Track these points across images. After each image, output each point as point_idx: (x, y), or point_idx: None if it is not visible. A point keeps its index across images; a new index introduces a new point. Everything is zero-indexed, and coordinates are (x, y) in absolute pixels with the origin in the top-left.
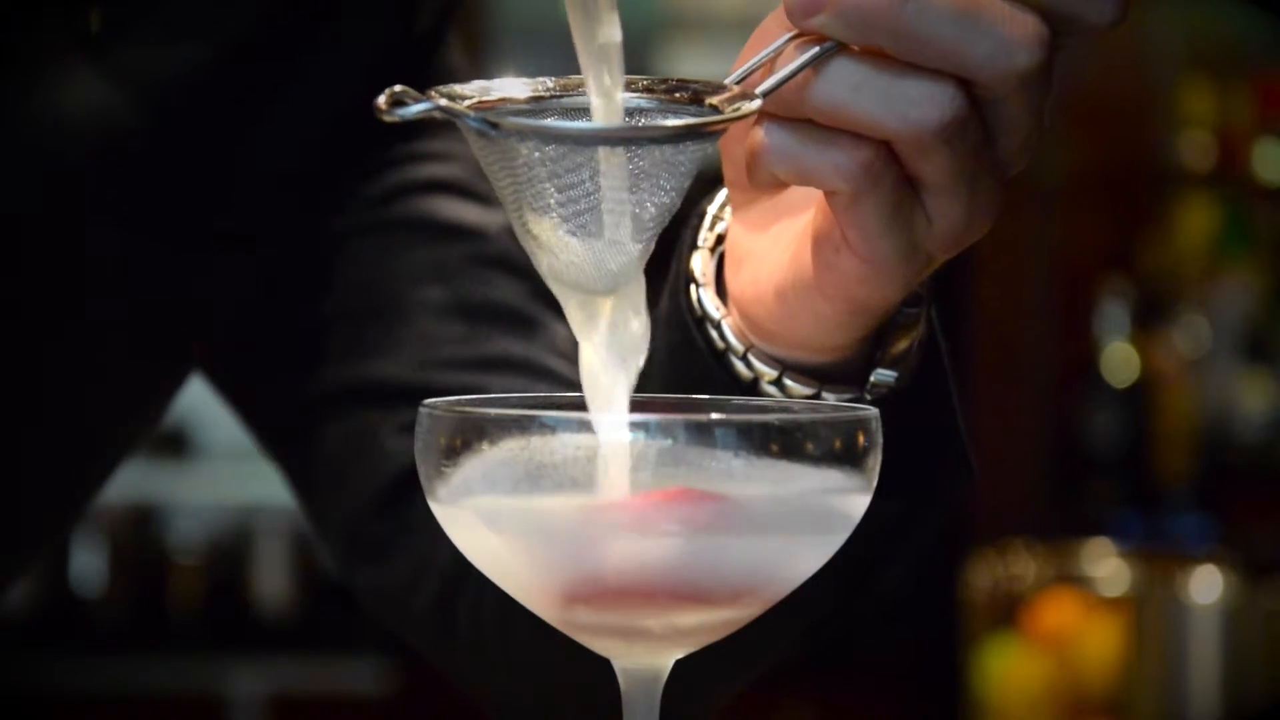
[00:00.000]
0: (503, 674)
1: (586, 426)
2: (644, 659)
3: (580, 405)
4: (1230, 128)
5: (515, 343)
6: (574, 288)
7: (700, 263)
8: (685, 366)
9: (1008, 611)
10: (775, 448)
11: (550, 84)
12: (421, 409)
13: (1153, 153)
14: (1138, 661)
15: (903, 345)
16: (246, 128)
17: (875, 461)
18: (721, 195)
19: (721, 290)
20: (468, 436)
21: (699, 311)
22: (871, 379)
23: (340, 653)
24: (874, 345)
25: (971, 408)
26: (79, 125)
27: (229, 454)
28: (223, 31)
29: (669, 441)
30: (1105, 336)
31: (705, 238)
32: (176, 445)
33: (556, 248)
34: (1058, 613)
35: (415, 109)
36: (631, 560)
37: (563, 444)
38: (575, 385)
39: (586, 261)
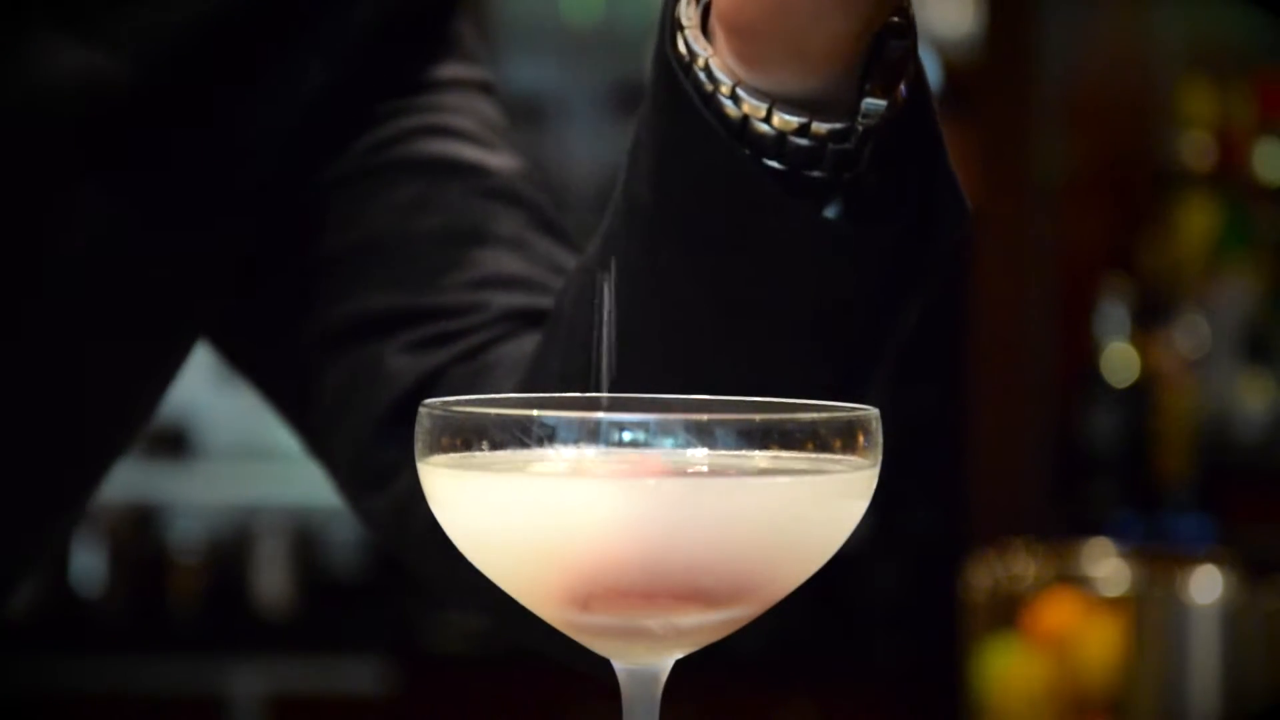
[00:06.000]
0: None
1: (586, 426)
2: (644, 659)
3: (580, 405)
4: (1230, 128)
5: (514, 262)
6: None
7: (685, 8)
8: (673, 120)
9: (1008, 611)
10: (775, 446)
11: None
12: (421, 409)
13: (1153, 153)
14: (1138, 661)
15: (893, 89)
16: (244, 86)
17: (876, 460)
18: None
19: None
20: (468, 436)
21: (686, 57)
22: (862, 107)
23: (340, 653)
24: (862, 79)
25: (972, 408)
26: (64, 89)
27: (229, 454)
28: None
29: (669, 441)
30: (1105, 336)
31: None
32: (176, 445)
33: None
34: (1058, 613)
35: None
36: (632, 559)
37: (563, 444)
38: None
39: None
